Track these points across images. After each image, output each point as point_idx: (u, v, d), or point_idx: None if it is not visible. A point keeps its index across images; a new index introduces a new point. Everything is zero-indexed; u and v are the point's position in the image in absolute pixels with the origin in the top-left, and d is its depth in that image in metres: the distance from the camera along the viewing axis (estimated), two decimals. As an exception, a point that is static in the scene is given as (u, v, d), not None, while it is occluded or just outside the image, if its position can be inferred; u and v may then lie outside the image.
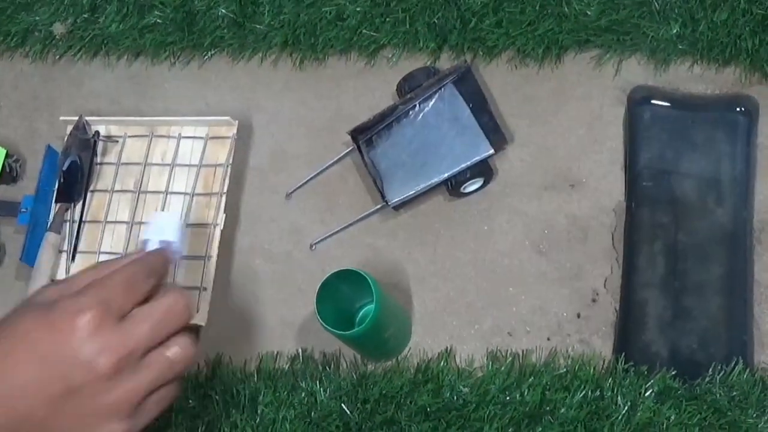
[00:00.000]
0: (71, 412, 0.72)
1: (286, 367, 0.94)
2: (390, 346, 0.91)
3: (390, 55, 1.05)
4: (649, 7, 0.98)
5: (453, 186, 0.96)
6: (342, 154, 1.01)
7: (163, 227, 0.77)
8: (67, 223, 1.02)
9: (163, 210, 1.01)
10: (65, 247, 1.01)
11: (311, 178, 1.02)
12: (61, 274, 1.00)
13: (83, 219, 1.02)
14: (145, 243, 0.76)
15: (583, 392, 0.86)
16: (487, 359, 0.92)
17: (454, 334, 0.94)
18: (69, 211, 1.02)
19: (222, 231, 0.99)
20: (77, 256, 1.01)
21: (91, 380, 0.70)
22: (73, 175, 1.02)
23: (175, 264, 0.96)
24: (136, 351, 0.72)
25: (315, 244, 1.00)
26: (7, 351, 0.71)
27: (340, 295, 0.86)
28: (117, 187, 1.03)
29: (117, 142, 1.05)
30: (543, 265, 0.95)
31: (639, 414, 0.85)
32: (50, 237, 1.00)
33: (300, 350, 0.95)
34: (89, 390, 0.71)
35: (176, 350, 0.74)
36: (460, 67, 0.98)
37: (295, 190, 1.02)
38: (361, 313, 0.92)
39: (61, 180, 1.02)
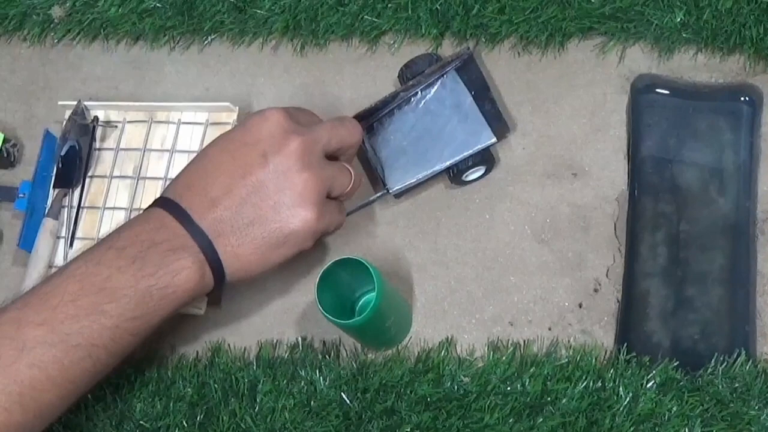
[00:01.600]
0: (265, 192, 0.83)
1: (286, 356, 0.93)
2: (391, 335, 0.91)
3: (391, 42, 1.04)
4: (653, -5, 0.98)
5: (454, 174, 0.95)
6: (343, 141, 1.01)
7: None
8: (65, 209, 1.01)
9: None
10: (63, 233, 1.01)
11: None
12: (59, 261, 1.00)
13: (81, 205, 1.01)
14: None
15: (585, 383, 0.86)
16: (487, 349, 0.91)
17: (454, 323, 0.94)
18: (67, 196, 1.02)
19: (222, 218, 0.98)
20: (75, 241, 1.00)
21: (281, 158, 0.82)
22: (72, 160, 1.02)
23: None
24: (320, 142, 0.85)
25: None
26: (207, 158, 0.86)
27: (341, 283, 0.85)
28: (116, 172, 1.02)
29: (116, 127, 1.04)
30: (545, 254, 0.94)
31: (641, 405, 0.84)
32: (48, 223, 0.99)
33: (300, 339, 0.94)
34: (280, 168, 0.82)
35: (350, 167, 0.90)
36: (462, 54, 0.97)
37: (295, 177, 1.01)
38: (361, 302, 0.92)
39: (59, 165, 1.02)
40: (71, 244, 1.00)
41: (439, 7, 1.01)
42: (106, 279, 0.78)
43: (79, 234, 1.01)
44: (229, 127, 1.00)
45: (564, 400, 0.86)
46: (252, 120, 0.85)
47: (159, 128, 1.03)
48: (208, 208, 0.82)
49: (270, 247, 0.84)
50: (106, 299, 0.78)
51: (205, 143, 1.00)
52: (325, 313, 0.80)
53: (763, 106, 0.94)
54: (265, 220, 0.83)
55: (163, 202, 0.84)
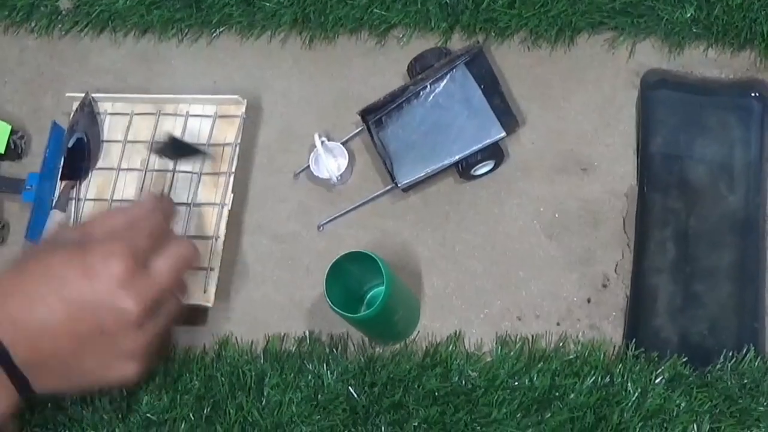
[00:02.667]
0: (95, 351, 0.76)
1: (293, 349, 0.93)
2: (399, 329, 0.91)
3: (401, 35, 1.04)
4: (663, -10, 0.97)
5: (463, 168, 0.95)
6: (351, 135, 1.01)
7: None
8: (73, 201, 1.01)
9: (170, 191, 1.00)
10: (71, 225, 1.00)
11: (320, 159, 1.01)
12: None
13: (88, 197, 1.01)
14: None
15: (593, 378, 0.86)
16: (496, 343, 0.91)
17: (462, 317, 0.93)
18: (74, 188, 1.02)
19: (230, 211, 0.98)
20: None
21: (120, 325, 0.75)
22: (79, 152, 1.01)
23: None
24: (160, 299, 0.78)
25: (323, 224, 0.99)
26: (35, 289, 0.75)
27: (349, 277, 0.85)
28: (123, 165, 1.02)
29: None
30: (553, 249, 0.94)
31: (649, 401, 0.84)
32: (56, 215, 0.99)
33: (307, 332, 0.94)
34: (116, 334, 0.76)
35: (180, 297, 0.82)
36: (471, 48, 0.97)
37: (303, 169, 1.01)
38: (369, 296, 0.92)
39: (67, 157, 1.02)
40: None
41: (448, 1, 1.01)
42: None
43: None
44: (237, 121, 1.01)
45: (572, 396, 0.86)
46: (93, 266, 0.75)
47: (167, 121, 1.03)
48: (31, 353, 0.75)
49: (85, 386, 0.82)
50: None
51: (214, 136, 1.01)
52: (335, 307, 0.80)
53: (773, 102, 0.94)
54: (86, 373, 0.79)
55: None
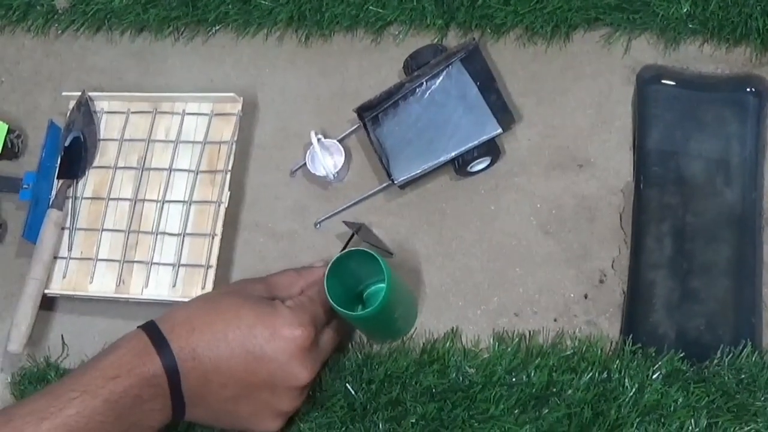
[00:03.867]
0: (254, 403, 0.83)
1: (291, 347, 0.93)
2: (398, 326, 0.91)
3: (396, 32, 1.04)
4: (659, -15, 0.97)
5: (460, 165, 0.95)
6: (348, 132, 1.01)
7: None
8: (70, 200, 1.01)
9: (166, 189, 1.00)
10: (68, 224, 1.01)
11: (316, 156, 1.01)
12: (63, 252, 1.00)
13: (84, 196, 1.01)
14: None
15: (590, 374, 0.86)
16: (493, 340, 0.91)
17: (460, 314, 0.93)
18: (71, 187, 1.02)
19: (226, 209, 0.98)
20: (80, 232, 1.00)
21: (288, 388, 0.83)
22: (76, 151, 1.01)
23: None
24: (322, 365, 0.86)
25: (320, 222, 0.99)
26: (223, 332, 0.81)
27: (348, 275, 0.85)
28: (120, 163, 1.02)
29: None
30: (550, 245, 0.94)
31: (646, 396, 0.84)
32: (53, 214, 0.99)
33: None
34: (281, 395, 0.83)
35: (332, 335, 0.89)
36: (467, 45, 0.97)
37: (299, 167, 1.01)
38: (366, 293, 0.92)
39: (63, 156, 1.02)
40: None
41: (444, -2, 1.01)
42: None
43: (83, 225, 1.01)
44: (233, 119, 1.00)
45: (569, 391, 0.86)
46: (281, 329, 0.81)
47: (163, 119, 1.03)
48: (200, 385, 0.81)
49: (227, 426, 0.87)
50: None
51: (210, 134, 1.01)
52: (337, 306, 0.80)
53: (769, 97, 0.94)
54: (238, 417, 0.84)
55: (166, 360, 0.80)
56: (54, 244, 0.99)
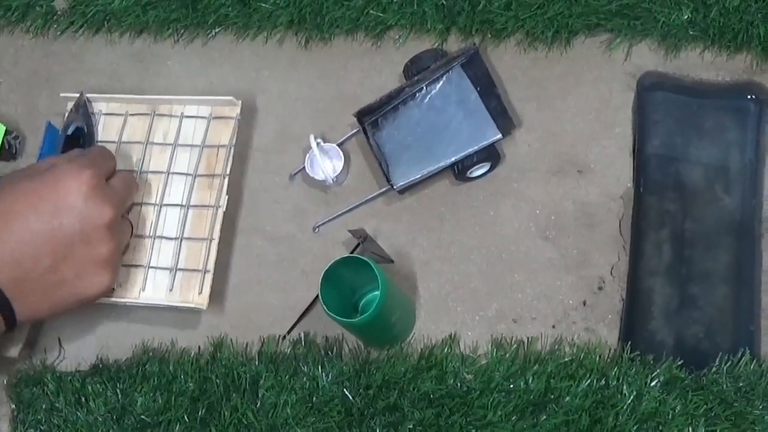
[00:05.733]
0: (73, 260, 0.81)
1: (288, 351, 0.93)
2: (395, 333, 0.90)
3: (397, 37, 1.04)
4: (660, -8, 0.97)
5: (459, 170, 0.95)
6: (347, 136, 1.00)
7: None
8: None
9: (164, 192, 1.00)
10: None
11: (315, 160, 1.01)
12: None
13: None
14: None
15: (589, 381, 0.86)
16: (491, 346, 0.91)
17: (458, 320, 0.93)
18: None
19: (224, 212, 0.98)
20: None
21: (95, 229, 0.81)
22: (77, 142, 1.01)
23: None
24: (124, 207, 0.87)
25: (318, 226, 0.99)
26: (11, 208, 0.79)
27: (343, 282, 0.85)
28: (118, 166, 1.01)
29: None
30: (549, 251, 0.94)
31: (644, 404, 0.84)
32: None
33: (302, 334, 0.94)
34: (92, 238, 0.81)
35: (128, 220, 0.92)
36: (468, 50, 0.96)
37: (298, 171, 1.00)
38: (363, 301, 0.92)
39: (64, 146, 1.01)
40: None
41: (444, 2, 1.01)
42: None
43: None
44: (232, 122, 1.00)
45: (567, 398, 0.85)
46: (65, 179, 0.81)
47: (162, 121, 1.03)
48: (12, 269, 0.79)
49: (64, 303, 0.85)
50: None
51: (208, 137, 1.01)
52: (330, 313, 0.80)
53: (769, 104, 0.94)
54: (66, 285, 0.83)
55: None
56: None
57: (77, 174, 0.81)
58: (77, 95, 1.03)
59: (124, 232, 0.87)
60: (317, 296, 0.88)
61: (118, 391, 0.92)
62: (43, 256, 0.80)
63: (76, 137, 1.01)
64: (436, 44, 1.02)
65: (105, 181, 0.85)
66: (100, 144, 0.98)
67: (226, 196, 0.98)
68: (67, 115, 1.03)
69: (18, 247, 0.78)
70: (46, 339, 0.99)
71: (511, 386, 0.87)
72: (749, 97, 0.93)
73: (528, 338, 0.91)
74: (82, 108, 1.02)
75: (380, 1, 1.02)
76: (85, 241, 0.81)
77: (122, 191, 0.88)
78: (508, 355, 0.89)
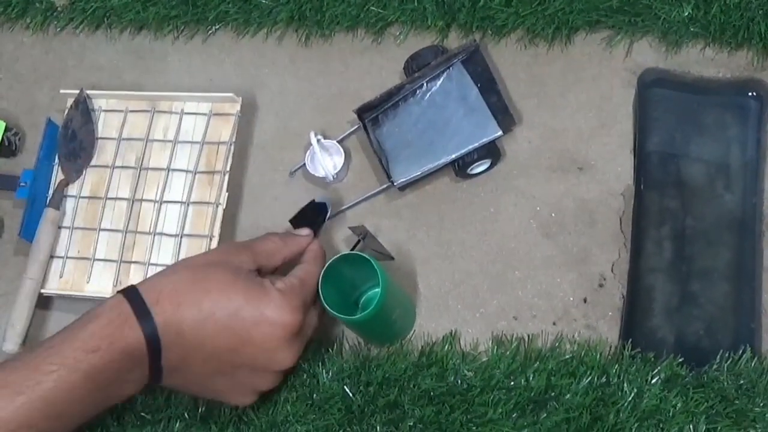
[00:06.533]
0: (228, 379, 0.82)
1: (289, 348, 0.93)
2: (396, 330, 0.90)
3: (397, 33, 1.04)
4: (661, -12, 0.97)
5: (460, 167, 0.95)
6: (347, 133, 1.00)
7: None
8: (67, 199, 1.01)
9: (164, 189, 1.00)
10: (65, 223, 1.00)
11: (315, 157, 1.00)
12: (60, 251, 0.99)
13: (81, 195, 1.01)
14: None
15: (589, 378, 0.85)
16: (492, 343, 0.91)
17: (458, 317, 0.93)
18: (69, 186, 1.01)
19: (224, 210, 0.98)
20: (77, 232, 1.00)
21: (268, 371, 0.82)
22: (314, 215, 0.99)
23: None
24: (308, 335, 0.86)
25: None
26: (210, 309, 0.78)
27: (343, 279, 0.85)
28: (118, 163, 1.02)
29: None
30: (550, 248, 0.94)
31: (645, 401, 0.84)
32: (49, 213, 0.99)
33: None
34: (259, 375, 0.82)
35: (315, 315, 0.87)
36: (468, 47, 0.96)
37: (298, 168, 1.00)
38: (364, 298, 0.92)
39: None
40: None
41: (445, -1, 1.01)
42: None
43: (81, 225, 1.00)
44: (232, 119, 1.00)
45: (568, 396, 0.85)
46: (269, 314, 0.79)
47: (162, 118, 1.03)
48: (178, 360, 0.79)
49: (203, 396, 0.87)
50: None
51: (209, 134, 1.00)
52: (331, 310, 0.80)
53: (770, 101, 0.94)
54: (212, 390, 0.84)
55: (149, 334, 0.77)
56: (50, 243, 0.98)
57: (282, 316, 0.79)
58: (77, 92, 1.03)
59: (301, 350, 0.84)
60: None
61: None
62: (210, 363, 0.80)
63: (317, 210, 0.95)
64: (437, 41, 1.02)
65: (302, 329, 0.82)
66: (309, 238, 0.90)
67: (227, 194, 0.98)
68: (66, 111, 1.03)
69: (194, 347, 0.79)
70: (46, 335, 0.99)
71: (512, 383, 0.87)
72: (750, 94, 0.93)
73: (528, 335, 0.91)
74: (82, 105, 1.02)
75: (380, -3, 1.02)
76: (253, 373, 0.82)
77: (310, 334, 0.86)
78: (508, 353, 0.89)
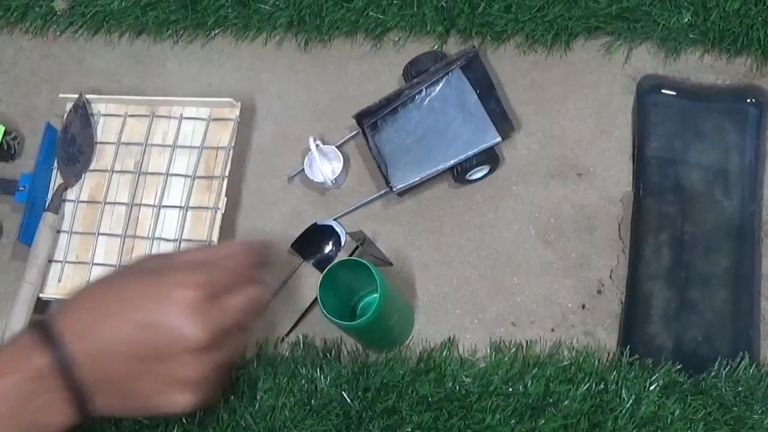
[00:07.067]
0: (152, 376, 0.76)
1: (287, 354, 0.93)
2: (394, 336, 0.90)
3: (396, 39, 1.04)
4: (660, -5, 0.97)
5: (458, 173, 0.95)
6: (346, 138, 1.00)
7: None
8: (65, 203, 1.01)
9: (163, 194, 1.00)
10: (64, 228, 1.00)
11: (314, 162, 1.00)
12: (59, 255, 0.99)
13: (80, 199, 1.01)
14: None
15: (587, 385, 0.85)
16: (490, 349, 0.91)
17: (457, 323, 0.93)
18: (68, 190, 1.01)
19: (223, 214, 0.98)
20: (76, 236, 1.00)
21: (180, 351, 0.75)
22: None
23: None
24: (224, 333, 0.77)
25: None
26: (106, 307, 0.75)
27: (341, 285, 0.85)
28: (117, 167, 1.02)
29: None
30: (548, 254, 0.94)
31: (643, 408, 0.84)
32: (48, 217, 0.99)
33: (301, 337, 0.94)
34: (176, 360, 0.76)
35: (245, 337, 0.81)
36: (467, 52, 0.96)
37: (297, 173, 1.00)
38: (362, 304, 0.92)
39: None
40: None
41: (444, 5, 1.01)
42: None
43: (79, 229, 1.00)
44: (231, 124, 1.00)
45: (566, 402, 0.85)
46: (167, 293, 0.76)
47: (161, 123, 1.03)
48: (94, 368, 0.75)
49: (138, 412, 0.81)
50: None
51: (208, 139, 1.00)
52: (329, 316, 0.80)
53: (769, 108, 0.94)
54: (142, 396, 0.78)
55: (58, 362, 0.75)
56: (49, 247, 0.98)
57: (178, 289, 0.75)
58: (76, 96, 1.03)
59: (217, 358, 0.79)
60: (316, 299, 0.88)
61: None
62: (123, 364, 0.76)
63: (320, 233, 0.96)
64: (436, 46, 1.02)
65: (210, 300, 0.76)
66: (242, 242, 0.89)
67: (225, 199, 0.98)
68: (66, 116, 1.03)
69: (102, 350, 0.75)
70: (44, 340, 0.99)
71: (510, 390, 0.87)
72: (749, 100, 0.93)
73: (527, 342, 0.91)
74: (81, 109, 1.02)
75: (380, 3, 1.02)
76: (168, 360, 0.76)
77: (234, 313, 0.79)
78: (506, 359, 0.89)
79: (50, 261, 0.99)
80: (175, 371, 0.77)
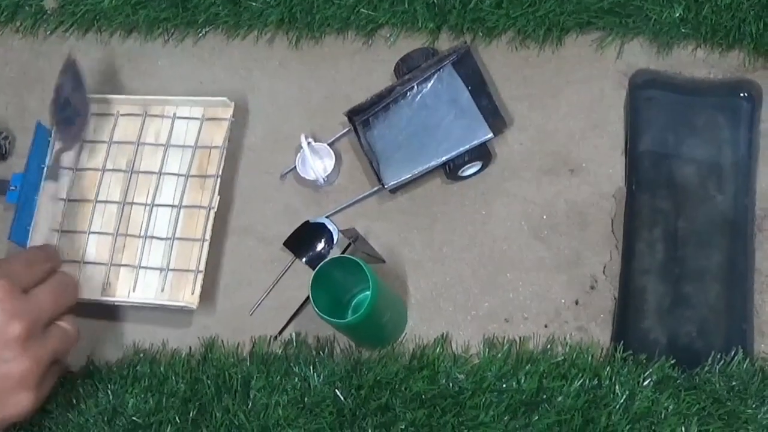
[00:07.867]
0: None
1: (280, 352, 0.93)
2: (386, 334, 0.90)
3: (388, 35, 1.03)
4: (652, -10, 0.97)
5: (451, 169, 0.94)
6: (338, 135, 1.00)
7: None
8: (65, 174, 1.01)
9: (156, 193, 0.99)
10: (55, 226, 1.00)
11: (306, 160, 1.00)
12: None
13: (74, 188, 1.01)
14: None
15: (581, 380, 0.85)
16: (483, 346, 0.91)
17: (450, 319, 0.93)
18: (65, 154, 1.00)
19: (215, 212, 0.97)
20: (66, 234, 1.00)
21: (3, 345, 0.75)
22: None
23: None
24: (42, 319, 0.79)
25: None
26: None
27: (334, 282, 0.85)
28: (108, 165, 1.01)
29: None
30: (541, 250, 0.94)
31: (637, 403, 0.84)
32: (48, 186, 0.99)
33: (294, 334, 0.94)
34: (2, 353, 0.75)
35: (69, 325, 0.83)
36: (459, 49, 0.96)
37: (289, 171, 1.00)
38: (355, 301, 0.91)
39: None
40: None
41: (435, 1, 1.00)
42: None
43: (71, 228, 1.00)
44: (224, 123, 1.00)
45: (560, 398, 0.85)
46: None
47: (153, 122, 1.02)
48: None
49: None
50: None
51: (201, 138, 1.00)
52: (321, 314, 0.80)
53: (762, 102, 0.93)
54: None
55: None
56: (52, 216, 0.98)
57: None
58: None
59: (46, 346, 0.79)
60: (308, 296, 0.87)
61: (109, 392, 0.91)
62: None
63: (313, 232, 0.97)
64: (427, 43, 1.02)
65: (20, 292, 0.78)
66: (42, 248, 0.92)
67: (218, 197, 0.97)
68: (57, 78, 1.01)
69: None
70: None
71: (504, 386, 0.87)
72: (741, 94, 0.92)
73: (520, 338, 0.91)
74: (71, 69, 1.00)
75: (371, -1, 1.02)
76: None
77: (45, 302, 0.80)
78: (500, 355, 0.89)
79: (53, 230, 0.99)
80: (3, 370, 0.76)
